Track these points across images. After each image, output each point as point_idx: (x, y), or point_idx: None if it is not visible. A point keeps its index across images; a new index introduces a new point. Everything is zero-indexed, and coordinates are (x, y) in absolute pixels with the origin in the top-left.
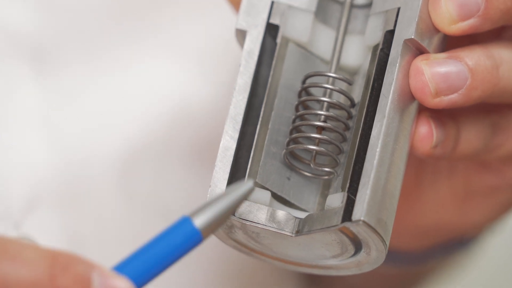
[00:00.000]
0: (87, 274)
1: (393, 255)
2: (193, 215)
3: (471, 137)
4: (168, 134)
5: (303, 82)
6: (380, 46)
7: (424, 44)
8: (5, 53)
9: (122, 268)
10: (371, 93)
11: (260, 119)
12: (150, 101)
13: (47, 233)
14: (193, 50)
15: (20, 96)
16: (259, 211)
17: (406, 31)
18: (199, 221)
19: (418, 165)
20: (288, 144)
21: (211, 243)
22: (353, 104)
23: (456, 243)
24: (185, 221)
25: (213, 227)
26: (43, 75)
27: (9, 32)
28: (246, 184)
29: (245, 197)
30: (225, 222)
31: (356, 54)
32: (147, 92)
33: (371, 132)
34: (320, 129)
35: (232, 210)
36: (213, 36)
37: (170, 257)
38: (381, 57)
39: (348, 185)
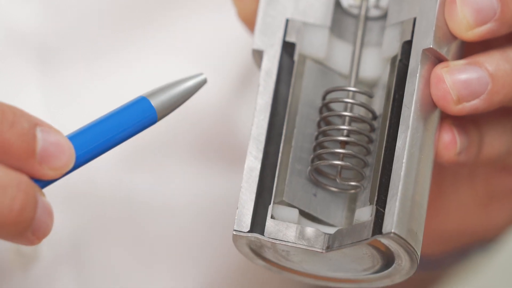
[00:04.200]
0: (32, 130)
1: None
2: (150, 96)
3: (494, 141)
4: (172, 132)
5: (323, 98)
6: (399, 57)
7: (443, 52)
8: (9, 53)
9: (75, 134)
10: (392, 104)
11: (283, 137)
12: None
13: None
14: (199, 48)
15: (25, 95)
16: (288, 230)
17: (424, 40)
18: (155, 102)
19: (439, 171)
20: (312, 160)
21: (234, 260)
22: (374, 117)
23: (478, 246)
24: (143, 100)
25: (166, 109)
26: (47, 75)
27: (13, 32)
28: (198, 75)
29: (198, 87)
30: (176, 107)
31: (374, 66)
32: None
33: (395, 143)
34: (343, 144)
35: (185, 96)
36: (220, 34)
37: (124, 130)
38: (400, 68)
39: (376, 198)
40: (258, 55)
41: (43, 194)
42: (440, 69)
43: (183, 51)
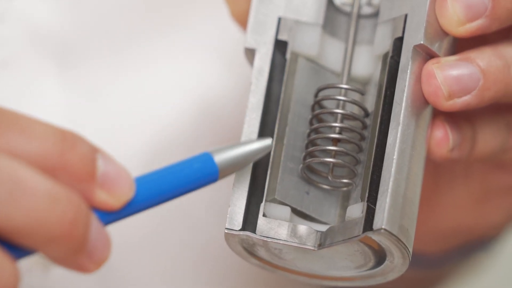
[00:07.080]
0: (92, 154)
1: (412, 258)
2: (214, 152)
3: (487, 138)
4: (191, 130)
5: (316, 95)
6: (390, 54)
7: (434, 48)
8: (30, 52)
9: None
10: (384, 101)
11: (274, 135)
12: (173, 97)
13: None
14: (215, 45)
15: (44, 94)
16: (280, 227)
17: (415, 37)
18: (218, 158)
19: (435, 169)
20: (304, 158)
21: (231, 261)
22: (367, 114)
23: (475, 244)
24: (206, 156)
25: (229, 168)
26: (67, 73)
27: (34, 32)
28: (265, 139)
29: (263, 151)
30: (240, 168)
31: (367, 63)
32: (170, 89)
33: (386, 140)
34: (335, 141)
35: (249, 159)
36: (235, 32)
37: (183, 184)
38: (391, 64)
39: (367, 194)
40: (250, 53)
41: (99, 222)
42: (431, 65)
43: (202, 49)
